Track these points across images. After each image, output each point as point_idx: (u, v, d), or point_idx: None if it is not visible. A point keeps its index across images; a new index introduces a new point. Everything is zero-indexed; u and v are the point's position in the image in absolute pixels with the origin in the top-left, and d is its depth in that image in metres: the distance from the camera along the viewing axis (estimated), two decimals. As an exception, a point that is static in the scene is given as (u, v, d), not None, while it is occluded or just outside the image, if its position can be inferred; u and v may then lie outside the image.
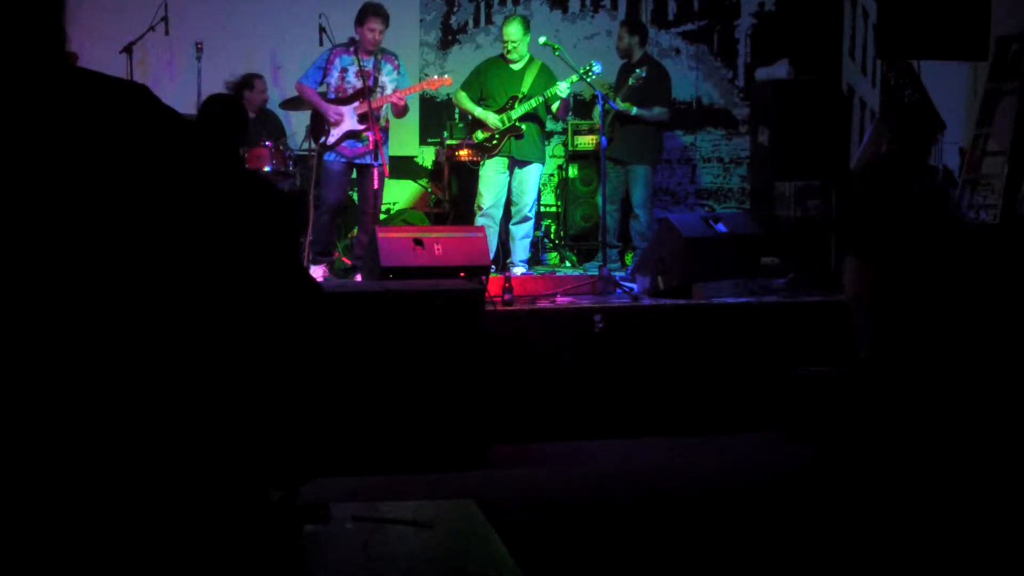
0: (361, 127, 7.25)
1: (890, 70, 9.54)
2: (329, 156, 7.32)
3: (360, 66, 7.17)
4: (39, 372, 0.89)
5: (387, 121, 7.40)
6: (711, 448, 6.02)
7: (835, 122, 8.45)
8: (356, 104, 7.26)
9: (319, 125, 7.39)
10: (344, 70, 7.31)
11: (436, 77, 7.67)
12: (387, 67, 7.29)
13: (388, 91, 7.24)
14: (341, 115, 7.25)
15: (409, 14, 9.54)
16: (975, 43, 7.65)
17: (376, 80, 7.24)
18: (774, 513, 4.86)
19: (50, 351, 0.89)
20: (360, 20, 7.25)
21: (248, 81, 8.46)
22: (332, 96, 7.32)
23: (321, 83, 7.37)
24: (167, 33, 8.09)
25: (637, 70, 7.86)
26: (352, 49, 7.30)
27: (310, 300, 1.06)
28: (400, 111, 7.29)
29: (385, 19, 7.20)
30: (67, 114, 0.96)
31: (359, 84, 7.24)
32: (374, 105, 7.11)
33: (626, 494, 5.15)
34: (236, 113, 5.36)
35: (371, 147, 7.19)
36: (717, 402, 6.37)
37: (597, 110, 8.58)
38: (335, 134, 7.26)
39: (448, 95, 8.96)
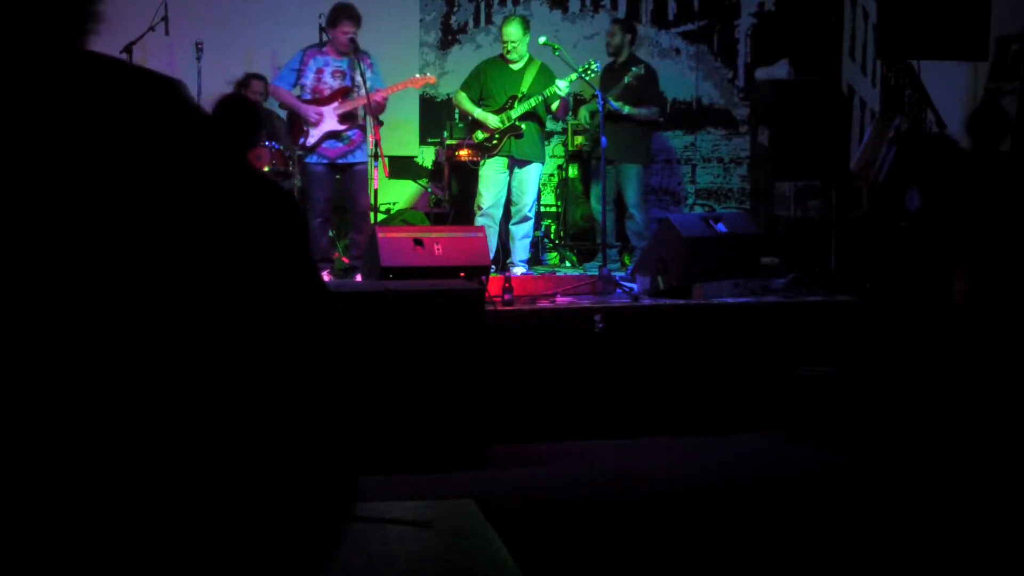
0: (342, 127, 7.28)
1: (890, 70, 9.54)
2: (311, 159, 7.33)
3: (358, 67, 7.19)
4: (48, 374, 0.88)
5: (364, 120, 7.43)
6: (711, 448, 6.01)
7: (835, 122, 8.44)
8: (336, 104, 7.27)
9: (297, 127, 7.39)
10: (320, 71, 7.32)
11: (419, 76, 7.68)
12: (361, 67, 7.30)
13: (364, 90, 7.27)
14: (321, 115, 7.26)
15: (409, 14, 9.54)
16: (975, 43, 7.65)
17: (353, 80, 7.25)
18: (774, 513, 4.86)
19: (64, 361, 0.88)
20: (332, 22, 7.27)
21: (245, 81, 8.46)
22: (308, 97, 7.32)
23: (295, 84, 7.38)
24: (167, 33, 8.09)
25: (634, 68, 7.87)
26: (325, 49, 7.33)
27: (323, 304, 1.05)
28: (378, 109, 7.27)
29: (357, 20, 7.22)
30: (76, 106, 0.94)
31: (336, 84, 7.27)
32: (356, 104, 7.17)
33: (626, 494, 5.15)
34: (253, 117, 5.35)
35: (352, 146, 7.25)
36: (717, 402, 6.37)
37: (584, 111, 8.59)
38: (315, 135, 7.27)
39: (448, 95, 8.96)
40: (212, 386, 0.93)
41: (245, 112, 5.29)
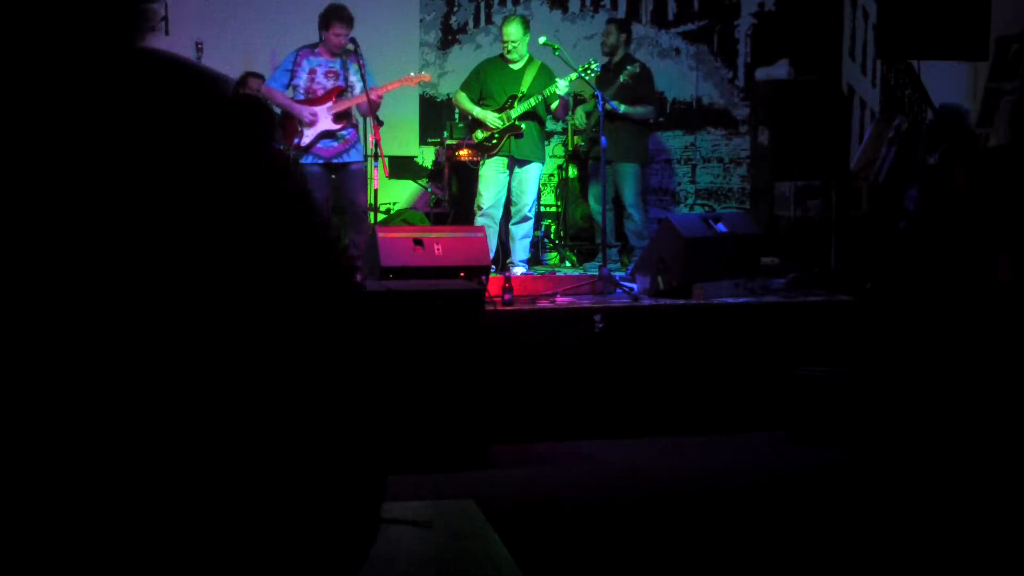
0: (337, 127, 7.29)
1: (890, 70, 9.54)
2: (306, 159, 7.33)
3: (354, 66, 7.21)
4: (69, 368, 0.88)
5: (356, 120, 7.44)
6: (711, 448, 6.01)
7: (835, 122, 8.45)
8: (330, 104, 7.28)
9: (290, 128, 7.39)
10: (313, 71, 7.34)
11: (413, 74, 7.69)
12: (353, 67, 7.32)
13: (357, 90, 7.28)
14: (316, 115, 7.27)
15: (409, 14, 9.55)
16: (975, 43, 7.65)
17: (347, 79, 7.27)
18: (774, 513, 4.86)
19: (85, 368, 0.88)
20: (325, 24, 7.29)
21: (243, 80, 8.46)
22: (301, 98, 7.34)
23: (288, 85, 7.39)
24: (167, 33, 8.08)
25: (629, 67, 7.87)
26: (318, 50, 7.35)
27: (353, 303, 1.05)
28: (373, 108, 7.27)
29: (349, 22, 7.26)
30: (115, 103, 0.93)
31: (330, 84, 7.30)
32: (352, 103, 7.19)
33: (626, 494, 5.15)
34: (267, 118, 5.35)
35: (347, 145, 7.29)
36: (717, 402, 6.37)
37: (580, 111, 8.59)
38: (309, 135, 7.28)
39: (448, 95, 8.95)
40: (241, 385, 0.92)
41: (263, 114, 5.30)
